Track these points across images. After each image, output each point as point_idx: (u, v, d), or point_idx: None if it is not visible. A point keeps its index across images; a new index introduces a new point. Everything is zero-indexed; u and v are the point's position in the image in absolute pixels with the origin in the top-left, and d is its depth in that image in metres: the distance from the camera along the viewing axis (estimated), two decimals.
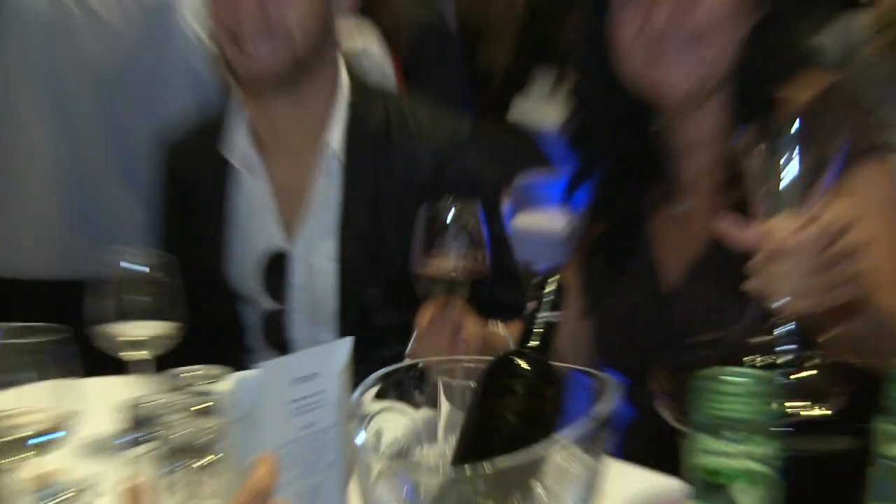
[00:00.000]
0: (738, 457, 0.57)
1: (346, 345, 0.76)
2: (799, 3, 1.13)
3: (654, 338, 1.11)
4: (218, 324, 1.41)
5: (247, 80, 1.33)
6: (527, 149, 3.04)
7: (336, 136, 1.38)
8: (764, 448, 0.57)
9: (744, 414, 0.57)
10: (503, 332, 1.10)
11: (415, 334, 1.09)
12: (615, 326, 1.23)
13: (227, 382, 0.82)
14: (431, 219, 1.03)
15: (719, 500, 0.58)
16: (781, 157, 0.86)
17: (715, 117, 1.15)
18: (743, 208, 0.95)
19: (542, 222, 2.36)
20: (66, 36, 1.63)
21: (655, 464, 1.02)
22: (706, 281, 1.12)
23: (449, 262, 1.02)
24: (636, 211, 1.23)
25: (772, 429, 0.57)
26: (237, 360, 1.35)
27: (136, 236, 1.58)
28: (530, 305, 0.89)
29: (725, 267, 1.01)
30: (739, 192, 0.97)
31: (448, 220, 1.03)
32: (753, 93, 1.11)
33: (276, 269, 1.39)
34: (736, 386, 0.57)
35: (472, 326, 1.06)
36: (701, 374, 0.59)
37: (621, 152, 1.23)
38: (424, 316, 1.07)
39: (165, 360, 1.07)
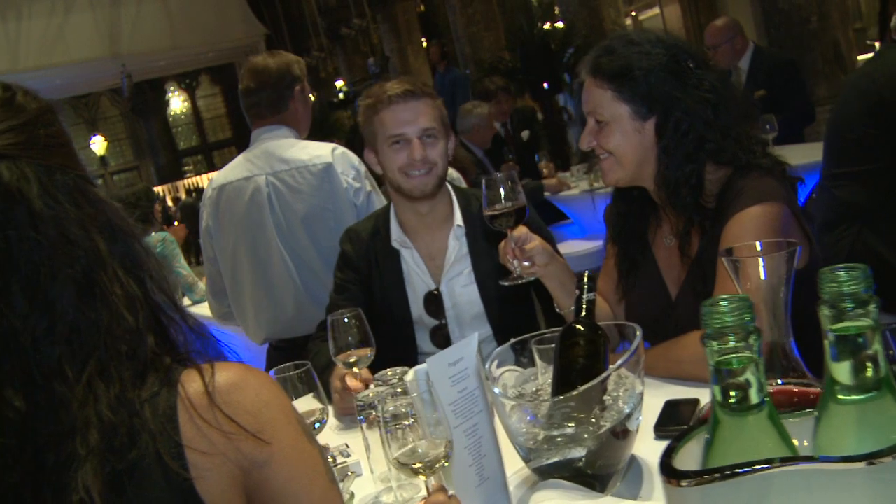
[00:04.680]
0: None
1: (475, 338, 1.27)
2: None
3: (665, 329, 1.65)
4: (399, 340, 2.08)
5: (417, 194, 2.05)
6: None
7: (458, 217, 2.12)
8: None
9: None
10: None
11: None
12: (638, 322, 1.76)
13: (410, 373, 1.34)
14: (489, 188, 1.71)
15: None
16: None
17: (657, 189, 1.71)
18: (695, 256, 1.66)
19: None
20: (283, 202, 2.60)
21: None
22: (690, 294, 1.68)
23: (501, 209, 1.71)
24: (642, 238, 1.82)
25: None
26: (414, 361, 2.09)
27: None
28: (577, 291, 1.37)
29: (698, 287, 1.64)
30: (691, 243, 1.66)
31: (500, 191, 1.71)
32: (667, 177, 1.67)
33: (432, 301, 2.11)
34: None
35: (534, 242, 1.72)
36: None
37: (632, 202, 1.82)
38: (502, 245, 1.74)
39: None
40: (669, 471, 0.74)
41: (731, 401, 0.71)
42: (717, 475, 0.71)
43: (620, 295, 1.87)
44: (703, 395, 1.46)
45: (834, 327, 0.74)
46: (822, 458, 0.72)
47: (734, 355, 0.72)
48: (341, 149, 2.67)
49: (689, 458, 0.78)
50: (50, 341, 0.80)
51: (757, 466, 0.71)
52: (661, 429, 1.40)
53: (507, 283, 1.77)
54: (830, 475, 0.70)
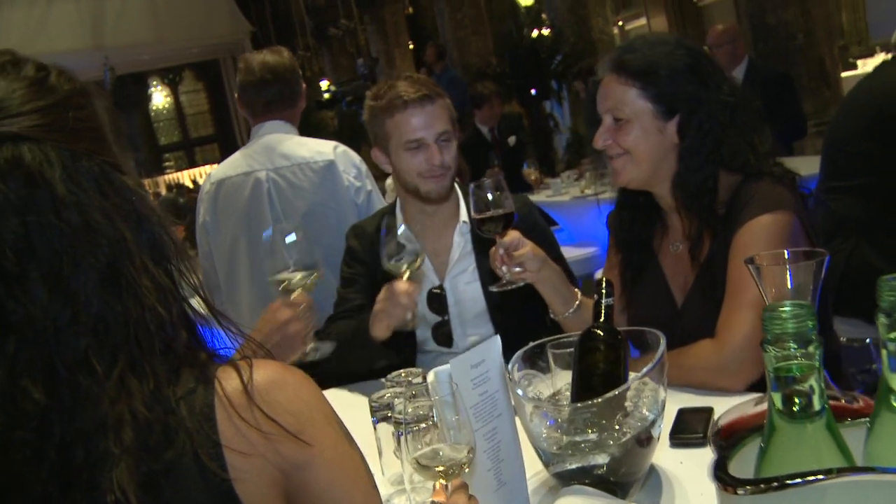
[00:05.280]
0: None
1: (497, 340, 1.26)
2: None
3: (671, 337, 1.63)
4: (400, 337, 1.99)
5: (434, 197, 2.05)
6: None
7: (464, 214, 2.10)
8: None
9: None
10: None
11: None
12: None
13: (430, 374, 1.32)
14: (478, 193, 1.71)
15: None
16: None
17: (668, 194, 1.69)
18: (705, 260, 1.65)
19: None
20: (284, 198, 2.57)
21: None
22: (697, 301, 1.68)
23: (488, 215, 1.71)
24: (647, 245, 1.80)
25: None
26: (414, 361, 2.08)
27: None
28: (595, 296, 1.37)
29: (707, 293, 1.63)
30: (702, 247, 1.64)
31: (489, 197, 1.71)
32: (687, 179, 1.66)
33: (436, 298, 2.09)
34: None
35: (525, 247, 1.71)
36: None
37: (637, 209, 1.80)
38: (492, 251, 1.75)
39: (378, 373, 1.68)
40: (726, 478, 0.72)
41: (794, 408, 0.70)
42: (774, 484, 0.70)
43: (624, 303, 1.85)
44: (716, 404, 1.46)
45: (891, 336, 0.73)
46: (880, 468, 0.71)
47: (793, 362, 0.71)
48: (342, 147, 2.66)
49: (743, 465, 0.77)
50: (74, 332, 0.77)
51: (811, 477, 0.70)
52: (676, 437, 1.39)
53: (496, 289, 1.77)
54: (889, 487, 0.69)
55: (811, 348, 0.71)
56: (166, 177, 17.43)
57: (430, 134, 1.98)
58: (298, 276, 1.58)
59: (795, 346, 0.71)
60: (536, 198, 5.33)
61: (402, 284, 1.69)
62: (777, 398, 0.72)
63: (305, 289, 1.58)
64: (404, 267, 1.68)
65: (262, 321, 1.58)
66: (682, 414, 1.45)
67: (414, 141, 1.99)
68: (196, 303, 0.89)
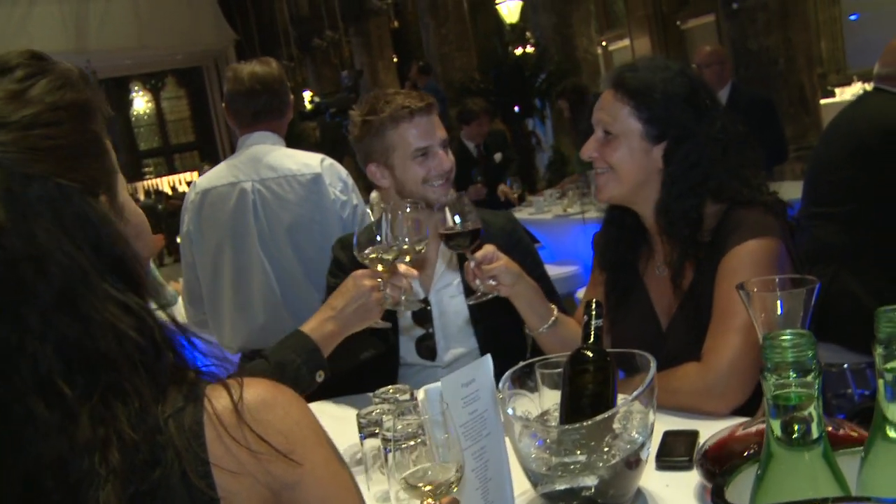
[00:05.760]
0: None
1: (488, 359, 1.25)
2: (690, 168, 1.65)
3: (656, 359, 1.65)
4: (386, 354, 2.02)
5: (432, 201, 1.97)
6: None
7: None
8: None
9: None
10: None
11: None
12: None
13: (420, 392, 1.32)
14: (444, 210, 1.71)
15: None
16: None
17: (651, 214, 1.70)
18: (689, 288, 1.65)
19: None
20: (269, 210, 2.58)
21: None
22: (681, 326, 1.68)
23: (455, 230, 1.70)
24: (633, 267, 1.81)
25: None
26: (395, 372, 2.08)
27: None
28: (585, 318, 1.37)
29: (691, 319, 1.63)
30: (684, 274, 1.64)
31: (456, 218, 1.70)
32: (669, 206, 1.66)
33: (421, 311, 2.07)
34: None
35: (498, 261, 1.72)
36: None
37: (624, 229, 1.81)
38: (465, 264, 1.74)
39: (361, 385, 1.65)
40: None
41: (793, 435, 0.71)
42: None
43: (608, 324, 1.86)
44: (701, 427, 1.46)
45: (888, 367, 0.74)
46: (875, 499, 0.72)
47: (792, 390, 0.71)
48: (329, 160, 2.65)
49: (738, 492, 0.78)
50: (29, 359, 0.74)
51: None
52: (662, 459, 1.39)
53: (471, 302, 1.78)
54: None
55: (810, 377, 0.71)
56: (145, 182, 17.30)
57: (436, 141, 2.02)
58: (388, 253, 1.67)
59: (795, 375, 0.71)
60: (518, 215, 5.36)
61: (402, 265, 1.70)
62: (776, 425, 0.72)
63: (387, 264, 1.67)
64: (406, 247, 1.68)
65: (345, 286, 1.69)
66: (668, 437, 1.46)
67: (423, 149, 2.00)
68: (175, 317, 0.87)
